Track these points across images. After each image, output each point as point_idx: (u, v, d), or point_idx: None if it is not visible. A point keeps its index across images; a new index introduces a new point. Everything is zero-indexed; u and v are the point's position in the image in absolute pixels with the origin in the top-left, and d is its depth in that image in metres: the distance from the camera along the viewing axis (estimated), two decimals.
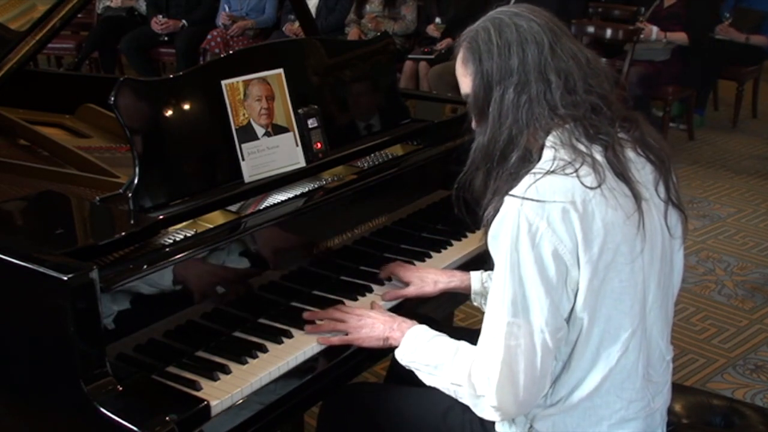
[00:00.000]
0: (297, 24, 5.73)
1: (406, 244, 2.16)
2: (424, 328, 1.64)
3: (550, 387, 1.50)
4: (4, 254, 1.48)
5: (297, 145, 1.96)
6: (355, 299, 1.89)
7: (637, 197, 1.45)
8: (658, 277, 1.53)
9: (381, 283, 1.97)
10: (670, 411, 1.67)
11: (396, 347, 1.65)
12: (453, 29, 5.96)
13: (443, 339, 1.59)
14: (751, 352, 3.20)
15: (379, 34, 2.50)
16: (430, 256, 2.12)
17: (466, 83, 1.54)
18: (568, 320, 1.45)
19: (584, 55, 1.50)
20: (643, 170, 1.52)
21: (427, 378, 1.58)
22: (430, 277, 1.94)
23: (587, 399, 1.49)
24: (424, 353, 1.58)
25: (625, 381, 1.50)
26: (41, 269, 1.43)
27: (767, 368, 3.08)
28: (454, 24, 5.97)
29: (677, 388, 1.72)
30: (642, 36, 5.36)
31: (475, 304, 1.92)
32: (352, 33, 6.30)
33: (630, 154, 1.51)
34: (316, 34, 2.77)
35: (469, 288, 1.91)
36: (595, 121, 1.47)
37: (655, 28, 5.43)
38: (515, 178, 1.46)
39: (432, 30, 6.21)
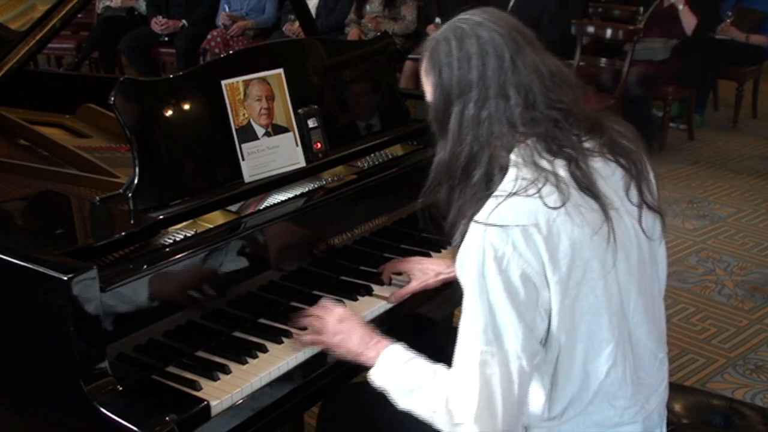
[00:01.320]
0: (297, 24, 5.73)
1: (406, 244, 2.16)
2: (400, 349, 1.58)
3: (545, 404, 1.48)
4: (4, 254, 1.48)
5: (297, 145, 1.96)
6: (355, 299, 1.89)
7: (605, 210, 1.41)
8: (638, 284, 1.49)
9: (381, 283, 1.97)
10: (671, 411, 1.67)
11: (368, 366, 1.60)
12: None
13: (420, 362, 1.54)
14: (751, 352, 3.20)
15: (379, 34, 2.50)
16: (429, 256, 2.12)
17: (429, 93, 1.51)
18: (544, 342, 1.43)
19: (547, 68, 1.45)
20: (612, 177, 1.48)
21: (402, 401, 1.53)
22: (431, 268, 1.93)
23: (581, 412, 1.49)
24: (400, 376, 1.54)
25: (617, 391, 1.49)
26: (41, 269, 1.43)
27: (767, 368, 3.08)
28: None
29: (677, 388, 1.72)
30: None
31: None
32: (352, 33, 6.30)
33: (597, 163, 1.46)
34: (316, 34, 2.77)
35: None
36: (557, 135, 1.43)
37: None
38: (480, 199, 1.42)
39: (432, 30, 6.20)
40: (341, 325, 1.67)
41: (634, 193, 1.49)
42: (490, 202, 1.39)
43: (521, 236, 1.35)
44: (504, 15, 1.49)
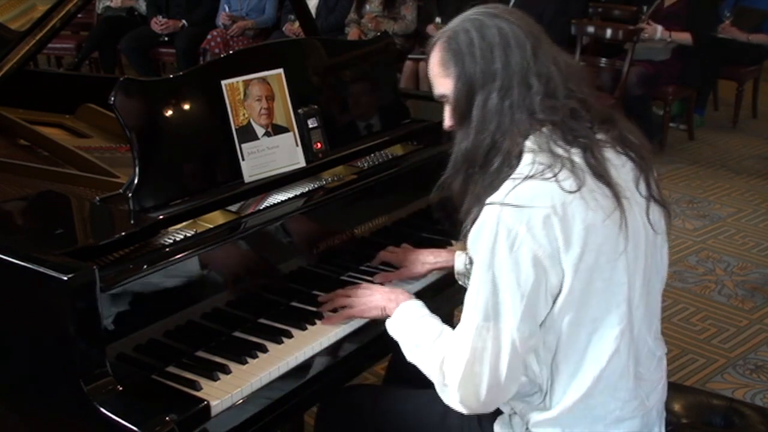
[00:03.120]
0: (297, 24, 5.73)
1: (406, 244, 2.15)
2: (417, 305, 1.66)
3: (546, 394, 1.50)
4: (4, 254, 1.48)
5: (297, 145, 1.96)
6: None
7: (617, 197, 1.44)
8: (643, 275, 1.52)
9: (381, 283, 1.97)
10: (670, 411, 1.67)
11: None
12: None
13: (431, 320, 1.61)
14: (751, 352, 3.20)
15: (379, 34, 2.50)
16: None
17: (444, 84, 1.52)
18: (546, 325, 1.45)
19: (563, 60, 1.50)
20: (623, 169, 1.51)
21: (408, 354, 1.60)
22: (419, 258, 1.98)
23: (581, 402, 1.49)
24: (410, 330, 1.61)
25: (618, 381, 1.50)
26: (41, 269, 1.43)
27: (767, 368, 3.08)
28: None
29: (677, 388, 1.72)
30: (646, 35, 5.35)
31: (459, 283, 1.93)
32: (352, 33, 6.30)
33: (609, 154, 1.49)
34: (316, 34, 2.77)
35: (453, 267, 1.94)
36: (573, 125, 1.46)
37: (659, 27, 5.41)
38: (495, 185, 1.44)
39: (432, 29, 6.20)
40: (366, 290, 1.79)
41: (642, 186, 1.52)
42: (507, 184, 1.42)
43: (537, 218, 1.38)
44: (516, 10, 1.52)
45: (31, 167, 2.16)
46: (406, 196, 2.19)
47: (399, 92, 2.37)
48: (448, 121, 1.56)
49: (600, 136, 1.50)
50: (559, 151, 1.44)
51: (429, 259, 1.97)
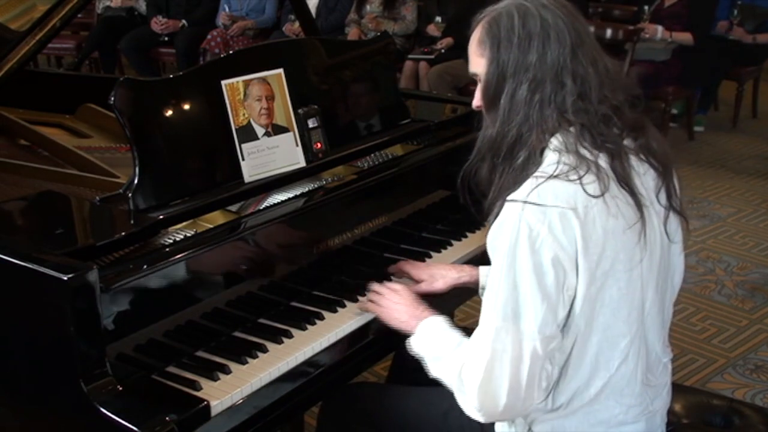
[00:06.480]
0: (297, 24, 5.73)
1: (406, 244, 2.16)
2: (438, 320, 1.63)
3: (550, 394, 1.48)
4: (4, 254, 1.48)
5: (297, 145, 1.96)
6: (355, 300, 1.89)
7: (639, 207, 1.43)
8: (656, 283, 1.52)
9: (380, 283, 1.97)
10: (670, 411, 1.67)
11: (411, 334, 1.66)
12: (453, 28, 5.96)
13: (451, 333, 1.58)
14: (751, 352, 3.20)
15: (378, 34, 2.50)
16: (430, 256, 2.12)
17: (478, 64, 1.50)
18: (563, 328, 1.43)
19: (603, 63, 1.47)
20: (645, 176, 1.50)
21: (430, 368, 1.57)
22: (440, 273, 1.93)
23: (587, 405, 1.49)
24: (431, 345, 1.58)
25: (625, 388, 1.49)
26: (41, 269, 1.43)
27: (767, 368, 3.08)
28: (454, 22, 5.97)
29: (677, 388, 1.72)
30: (647, 35, 5.35)
31: (482, 298, 1.92)
32: (352, 33, 6.30)
33: (633, 161, 1.48)
34: (316, 34, 2.77)
35: (477, 283, 1.91)
36: (602, 130, 1.44)
37: (660, 28, 5.41)
38: (519, 181, 1.42)
39: (432, 29, 6.21)
40: (395, 296, 1.75)
41: (663, 195, 1.51)
42: (530, 182, 1.40)
43: (558, 219, 1.36)
44: (568, 3, 1.48)
45: (31, 167, 2.16)
46: (406, 196, 2.19)
47: (399, 92, 2.37)
48: (476, 100, 1.54)
49: (626, 142, 1.48)
50: (586, 153, 1.41)
51: (451, 275, 1.92)
